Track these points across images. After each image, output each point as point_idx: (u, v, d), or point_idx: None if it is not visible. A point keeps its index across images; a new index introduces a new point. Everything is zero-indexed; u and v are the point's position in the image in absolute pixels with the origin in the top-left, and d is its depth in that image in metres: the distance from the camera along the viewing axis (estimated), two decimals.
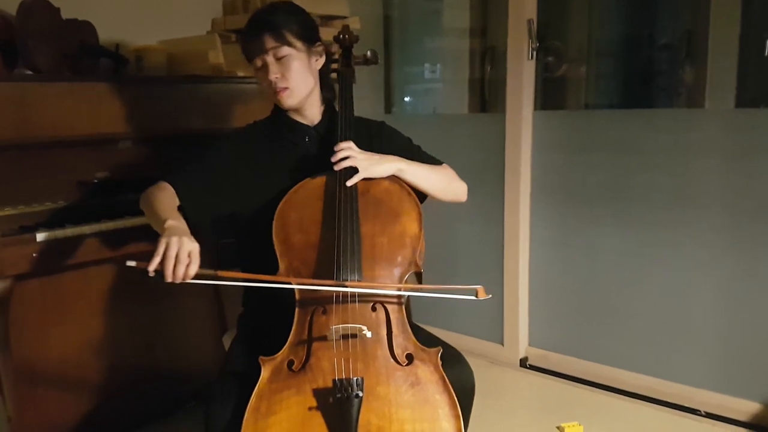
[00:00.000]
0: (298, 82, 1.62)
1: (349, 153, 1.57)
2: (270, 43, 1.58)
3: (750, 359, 2.37)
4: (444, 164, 1.78)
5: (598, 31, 3.31)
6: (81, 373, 2.21)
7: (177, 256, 1.30)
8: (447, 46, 3.69)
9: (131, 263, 1.32)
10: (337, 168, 1.56)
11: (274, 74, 1.60)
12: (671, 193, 2.49)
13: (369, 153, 1.60)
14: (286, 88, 1.61)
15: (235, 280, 1.39)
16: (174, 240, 1.32)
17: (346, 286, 1.41)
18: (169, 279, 1.31)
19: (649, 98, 3.18)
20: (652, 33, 3.16)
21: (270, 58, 1.59)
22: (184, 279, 1.32)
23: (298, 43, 1.60)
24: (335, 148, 1.57)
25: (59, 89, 2.11)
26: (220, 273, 1.37)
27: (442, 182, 1.70)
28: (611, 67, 3.32)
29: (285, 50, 1.59)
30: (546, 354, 2.92)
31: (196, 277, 1.33)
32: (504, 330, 3.00)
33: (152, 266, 1.30)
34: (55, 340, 2.13)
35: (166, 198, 1.56)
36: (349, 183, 1.53)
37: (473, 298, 1.39)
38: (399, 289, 1.46)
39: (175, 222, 1.42)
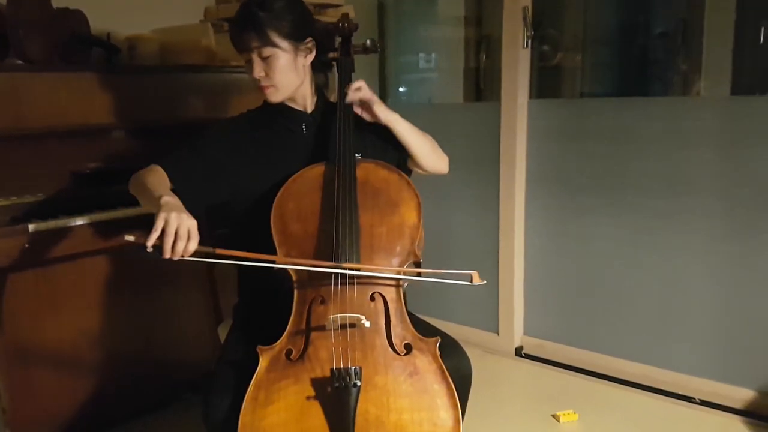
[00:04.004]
0: (283, 81, 1.60)
1: (361, 84, 1.62)
2: (254, 42, 1.55)
3: (745, 347, 2.38)
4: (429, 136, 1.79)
5: (593, 20, 3.31)
6: (76, 365, 2.20)
7: (177, 232, 1.29)
8: (442, 35, 3.67)
9: (130, 237, 1.30)
10: (349, 97, 1.62)
11: (258, 73, 1.58)
12: (666, 181, 2.49)
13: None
14: (270, 86, 1.60)
15: (232, 258, 1.37)
16: (173, 215, 1.30)
17: (344, 268, 1.40)
18: (167, 255, 1.29)
19: (644, 86, 3.18)
20: (648, 21, 3.15)
21: (255, 56, 1.57)
22: (182, 256, 1.30)
23: (284, 43, 1.56)
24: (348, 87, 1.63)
25: (51, 79, 2.09)
26: (218, 251, 1.35)
27: (428, 146, 1.72)
28: (606, 55, 3.32)
29: (269, 50, 1.55)
30: (541, 343, 2.93)
31: (194, 254, 1.32)
32: (499, 319, 3.00)
33: (150, 241, 1.28)
34: (50, 332, 2.12)
35: (157, 178, 1.54)
36: (348, 99, 1.61)
37: (468, 283, 1.39)
38: (397, 273, 1.46)
39: (172, 198, 1.39)
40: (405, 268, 1.48)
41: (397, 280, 1.46)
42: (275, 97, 1.62)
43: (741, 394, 2.38)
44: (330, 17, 2.67)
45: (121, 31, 2.57)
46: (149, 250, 1.29)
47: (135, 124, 2.25)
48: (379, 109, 1.63)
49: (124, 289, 2.29)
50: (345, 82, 1.69)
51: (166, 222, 1.29)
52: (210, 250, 1.34)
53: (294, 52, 1.59)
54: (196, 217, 1.36)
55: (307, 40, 1.63)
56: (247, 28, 1.55)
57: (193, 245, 1.30)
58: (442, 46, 3.69)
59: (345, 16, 1.77)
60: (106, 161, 2.17)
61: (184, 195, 1.57)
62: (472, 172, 2.97)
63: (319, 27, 1.71)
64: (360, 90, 1.62)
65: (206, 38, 2.57)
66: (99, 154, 2.17)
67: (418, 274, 1.47)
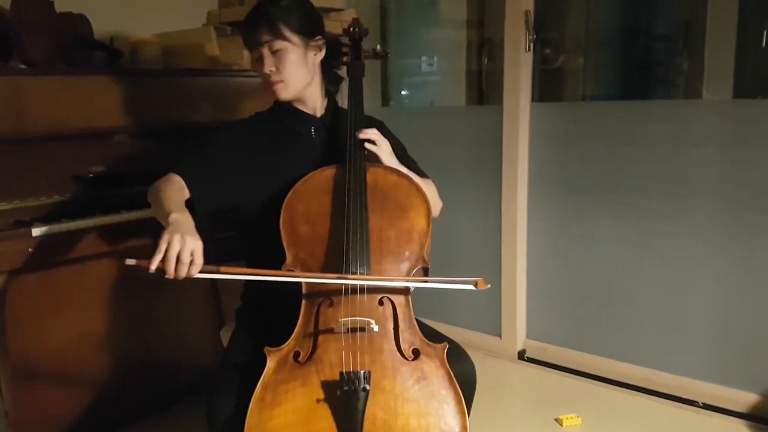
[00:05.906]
0: (293, 76, 1.62)
1: (375, 138, 1.60)
2: (265, 36, 1.58)
3: (747, 350, 2.37)
4: (430, 179, 1.79)
5: (595, 23, 3.31)
6: (78, 368, 2.20)
7: (179, 256, 1.27)
8: (444, 38, 3.67)
9: (131, 262, 1.28)
10: (361, 136, 1.59)
11: (268, 67, 1.60)
12: (669, 183, 2.49)
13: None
14: (280, 81, 1.61)
15: (239, 276, 1.37)
16: (176, 238, 1.28)
17: (349, 279, 1.40)
18: (171, 277, 1.28)
19: (646, 89, 3.18)
20: (650, 24, 3.16)
21: (265, 51, 1.59)
22: (186, 277, 1.29)
23: (295, 37, 1.60)
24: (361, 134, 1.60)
25: (53, 82, 2.09)
26: (223, 269, 1.34)
27: (430, 198, 1.69)
28: (608, 58, 3.32)
29: (279, 44, 1.58)
30: (544, 346, 2.92)
31: (200, 272, 1.30)
32: (502, 322, 3.00)
33: (153, 265, 1.27)
34: (52, 335, 2.11)
35: (173, 191, 1.52)
36: (361, 135, 1.58)
37: (473, 288, 1.39)
38: (405, 280, 1.46)
39: (180, 216, 1.38)
40: (413, 277, 1.48)
41: (406, 285, 1.46)
42: (285, 93, 1.63)
43: (744, 398, 2.38)
44: (333, 21, 2.67)
45: (123, 35, 2.57)
46: (152, 272, 1.28)
47: (138, 128, 2.25)
48: (387, 161, 1.62)
49: (127, 292, 2.29)
50: (356, 85, 1.69)
51: (169, 245, 1.27)
52: (214, 268, 1.33)
53: (304, 47, 1.62)
54: (198, 221, 1.36)
55: (317, 37, 1.65)
56: (258, 23, 1.59)
57: (195, 269, 1.29)
58: (444, 49, 3.68)
59: (356, 21, 1.80)
60: (109, 165, 2.17)
61: (201, 202, 1.57)
62: (474, 175, 2.97)
63: (329, 36, 1.72)
64: (372, 143, 1.60)
65: (209, 42, 2.57)
66: (102, 157, 2.17)
67: (425, 281, 1.48)
